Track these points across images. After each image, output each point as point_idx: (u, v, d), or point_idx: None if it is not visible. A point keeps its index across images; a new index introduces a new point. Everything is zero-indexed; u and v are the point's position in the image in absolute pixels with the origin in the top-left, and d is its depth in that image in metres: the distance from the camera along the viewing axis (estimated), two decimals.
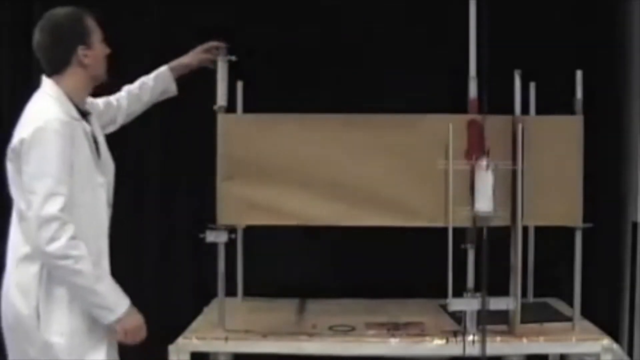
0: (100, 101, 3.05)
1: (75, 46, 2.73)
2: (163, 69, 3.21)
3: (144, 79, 3.18)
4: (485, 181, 2.94)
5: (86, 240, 2.63)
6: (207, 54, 3.25)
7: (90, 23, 2.79)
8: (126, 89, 3.17)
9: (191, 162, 4.13)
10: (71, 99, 2.74)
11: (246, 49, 3.28)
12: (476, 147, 3.03)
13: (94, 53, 2.77)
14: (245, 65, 3.28)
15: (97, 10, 2.83)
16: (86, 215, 2.69)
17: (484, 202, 2.94)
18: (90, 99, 2.94)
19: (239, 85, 3.58)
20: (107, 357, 2.73)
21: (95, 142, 2.80)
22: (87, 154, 2.73)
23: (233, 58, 3.21)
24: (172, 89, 3.24)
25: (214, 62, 3.22)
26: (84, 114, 2.80)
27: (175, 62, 3.23)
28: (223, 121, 3.15)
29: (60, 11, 2.76)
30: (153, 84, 3.17)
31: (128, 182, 4.18)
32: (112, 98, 3.12)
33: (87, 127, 2.76)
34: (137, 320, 2.75)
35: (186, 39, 3.44)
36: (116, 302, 2.69)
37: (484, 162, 2.94)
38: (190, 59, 3.25)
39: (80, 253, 2.59)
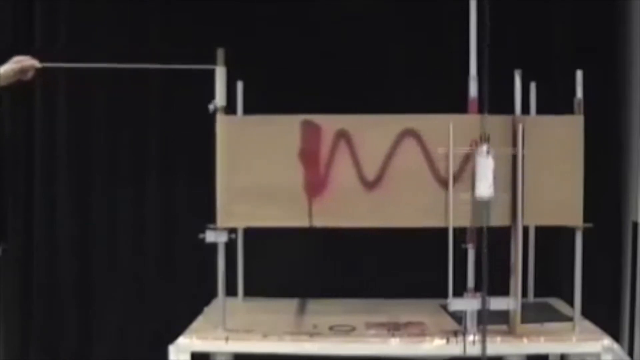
0: None
1: None
2: None
3: None
4: (485, 167, 2.88)
5: None
6: (21, 67, 3.03)
7: None
8: None
9: (191, 161, 4.13)
10: None
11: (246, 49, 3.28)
12: (310, 149, 3.05)
13: None
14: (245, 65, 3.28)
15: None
16: None
17: (484, 188, 2.90)
18: None
19: (239, 85, 3.58)
20: None
21: None
22: None
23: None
24: None
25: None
26: None
27: None
28: (223, 121, 3.14)
29: None
30: None
31: (128, 182, 4.24)
32: None
33: None
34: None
35: (186, 39, 3.43)
36: None
37: (484, 148, 2.90)
38: (5, 69, 3.01)
39: None
